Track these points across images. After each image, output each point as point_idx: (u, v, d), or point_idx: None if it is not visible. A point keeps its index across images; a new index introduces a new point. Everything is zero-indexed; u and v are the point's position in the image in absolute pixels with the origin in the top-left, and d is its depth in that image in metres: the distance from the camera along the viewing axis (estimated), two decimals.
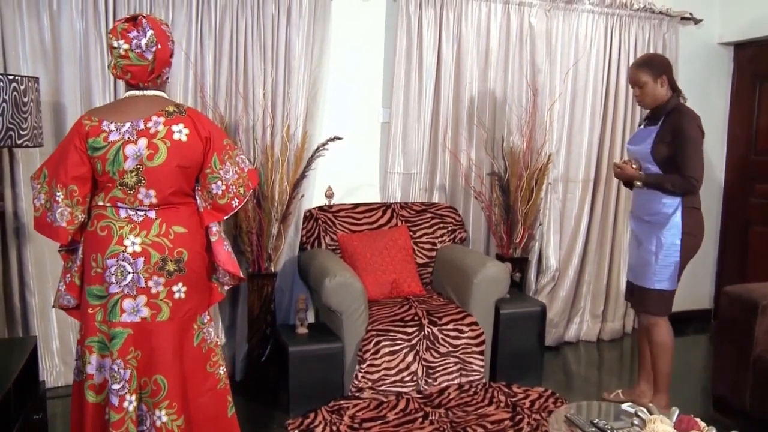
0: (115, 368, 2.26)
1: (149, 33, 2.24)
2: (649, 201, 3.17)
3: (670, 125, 3.05)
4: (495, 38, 4.16)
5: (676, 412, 2.15)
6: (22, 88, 2.84)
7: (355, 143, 4.11)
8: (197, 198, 2.43)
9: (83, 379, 2.33)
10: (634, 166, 3.20)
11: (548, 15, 4.24)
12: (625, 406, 2.27)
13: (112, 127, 2.26)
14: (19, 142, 2.85)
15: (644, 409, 2.24)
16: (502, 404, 3.39)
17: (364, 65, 4.10)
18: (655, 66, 3.11)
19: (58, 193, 2.27)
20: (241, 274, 2.56)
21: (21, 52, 3.34)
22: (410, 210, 4.11)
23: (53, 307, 2.50)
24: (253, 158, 3.70)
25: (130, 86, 2.35)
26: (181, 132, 2.30)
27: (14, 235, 3.40)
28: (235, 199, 2.43)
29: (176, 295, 2.33)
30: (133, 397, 2.29)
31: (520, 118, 4.24)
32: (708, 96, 4.90)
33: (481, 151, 4.24)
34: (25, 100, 2.86)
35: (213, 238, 2.47)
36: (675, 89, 3.14)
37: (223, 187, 2.40)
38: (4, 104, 2.78)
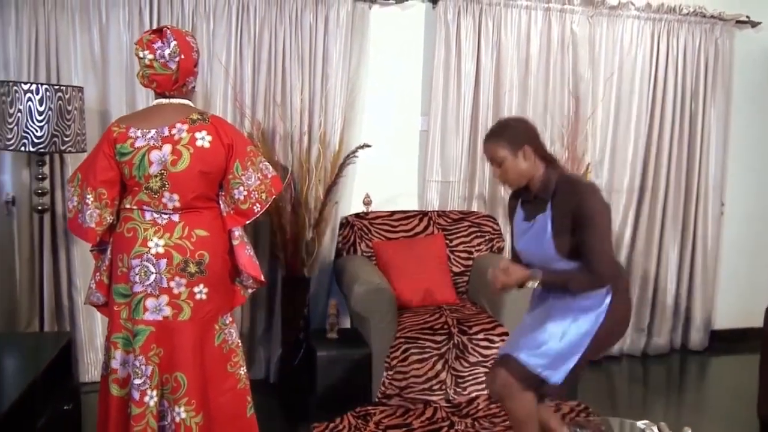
0: (137, 364, 2.35)
1: (173, 44, 2.33)
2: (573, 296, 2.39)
3: (565, 207, 2.25)
4: (535, 46, 4.12)
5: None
6: (66, 97, 3.01)
7: (394, 151, 4.14)
8: (220, 203, 2.51)
9: (108, 373, 2.44)
10: (516, 266, 2.38)
11: (591, 21, 4.16)
12: (640, 423, 2.21)
13: (139, 133, 2.37)
14: (63, 147, 3.02)
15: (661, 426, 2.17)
16: None
17: (403, 73, 4.13)
18: (512, 136, 2.31)
19: (88, 196, 2.39)
20: (263, 278, 2.62)
21: (73, 64, 3.53)
22: (447, 218, 4.10)
23: (85, 303, 2.63)
24: (290, 165, 3.78)
25: (157, 95, 2.46)
26: (203, 139, 2.38)
27: (64, 236, 3.58)
28: (257, 205, 2.50)
29: (197, 296, 2.41)
30: (155, 393, 2.37)
31: (562, 127, 4.17)
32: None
33: None
34: (69, 108, 3.03)
35: (235, 242, 2.54)
36: (546, 159, 2.35)
37: (245, 193, 2.47)
38: (50, 112, 2.96)
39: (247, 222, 2.54)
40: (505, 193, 4.19)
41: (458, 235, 4.06)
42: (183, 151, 2.35)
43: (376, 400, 3.40)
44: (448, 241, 4.03)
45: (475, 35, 4.03)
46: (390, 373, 3.37)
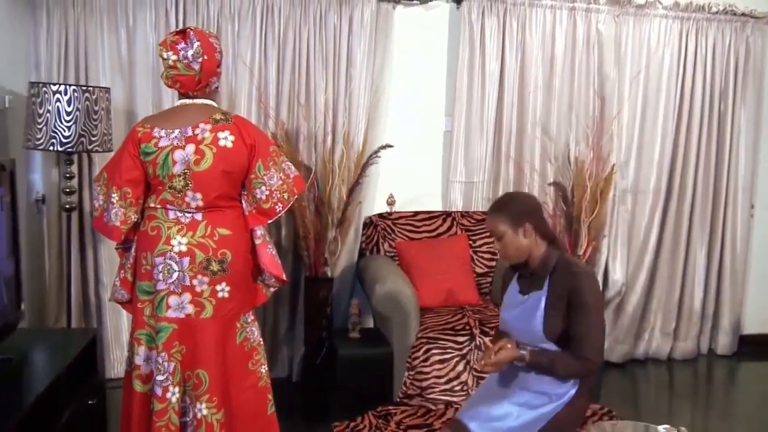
0: (160, 360, 2.39)
1: (196, 45, 2.36)
2: (544, 378, 2.25)
3: (561, 289, 2.17)
4: (560, 45, 4.08)
5: None
6: (93, 97, 3.06)
7: (418, 152, 4.14)
8: (243, 202, 2.53)
9: (132, 369, 2.48)
10: (509, 345, 2.22)
11: (617, 21, 4.11)
12: (661, 428, 2.17)
13: (162, 133, 2.40)
14: (89, 147, 3.08)
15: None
16: None
17: (427, 73, 4.13)
18: (514, 212, 2.24)
19: (113, 195, 2.43)
20: (285, 277, 2.64)
21: (100, 65, 3.60)
22: (471, 219, 4.09)
23: (109, 300, 2.67)
24: (313, 165, 3.80)
25: (181, 95, 2.49)
26: (226, 139, 2.40)
27: (91, 234, 3.65)
28: (279, 204, 2.51)
29: (219, 294, 2.43)
30: (177, 389, 2.40)
31: (587, 127, 4.13)
32: None
33: (545, 161, 4.17)
34: (96, 108, 3.08)
35: (257, 241, 2.56)
36: (548, 238, 2.27)
37: (267, 192, 2.48)
38: (78, 113, 3.01)
39: (269, 221, 2.56)
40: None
41: (482, 235, 4.04)
42: (206, 150, 2.38)
43: (397, 400, 3.40)
44: (471, 242, 4.02)
45: (499, 35, 4.01)
46: (411, 373, 3.37)
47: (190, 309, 2.41)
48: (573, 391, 2.22)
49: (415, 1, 3.99)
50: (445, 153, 4.18)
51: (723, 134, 4.37)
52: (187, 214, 2.42)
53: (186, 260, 2.38)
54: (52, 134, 3.00)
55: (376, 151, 3.78)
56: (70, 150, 3.05)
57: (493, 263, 4.02)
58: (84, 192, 3.60)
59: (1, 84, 3.18)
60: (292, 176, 2.57)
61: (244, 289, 2.54)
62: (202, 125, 2.40)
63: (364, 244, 3.98)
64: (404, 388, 3.38)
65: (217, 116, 2.44)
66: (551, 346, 2.21)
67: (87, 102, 3.03)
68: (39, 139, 3.01)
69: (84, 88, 3.03)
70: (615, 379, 4.12)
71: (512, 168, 4.16)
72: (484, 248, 4.03)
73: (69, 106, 2.99)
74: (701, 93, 4.25)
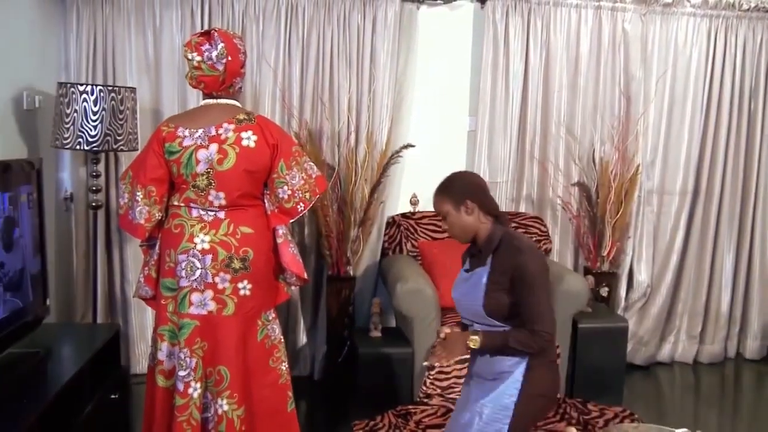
0: (182, 356, 2.42)
1: (220, 46, 2.39)
2: (493, 358, 2.21)
3: (505, 265, 2.15)
4: (585, 45, 4.05)
5: None
6: (119, 97, 3.12)
7: (441, 151, 4.12)
8: (266, 201, 2.56)
9: (155, 364, 2.52)
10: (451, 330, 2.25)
11: (644, 20, 4.06)
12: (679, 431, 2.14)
13: (186, 133, 2.43)
14: (115, 146, 3.13)
15: None
16: (574, 421, 3.28)
17: (451, 73, 4.12)
18: (455, 191, 2.23)
19: (138, 193, 2.47)
20: (306, 276, 2.66)
21: (127, 65, 3.66)
22: None
23: (134, 296, 2.71)
24: (336, 164, 3.82)
25: (205, 95, 2.52)
26: (249, 139, 2.43)
27: (117, 232, 3.71)
28: (301, 204, 2.53)
29: (241, 292, 2.46)
30: (198, 385, 2.44)
31: (612, 128, 4.09)
32: None
33: (569, 161, 4.13)
34: (122, 108, 3.14)
35: (279, 240, 2.59)
36: (494, 214, 2.25)
37: (289, 192, 2.50)
38: (104, 113, 3.07)
39: (291, 221, 2.58)
40: (553, 195, 4.15)
41: None
42: (229, 150, 2.41)
43: (418, 399, 3.40)
44: None
45: (523, 35, 3.99)
46: (432, 373, 3.37)
47: (212, 306, 2.44)
48: (523, 365, 2.16)
49: (439, 1, 3.99)
50: (469, 153, 4.17)
51: (753, 134, 4.28)
52: (210, 213, 2.45)
53: (208, 258, 2.41)
54: (79, 133, 3.05)
55: (398, 151, 3.78)
56: (96, 149, 3.10)
57: None
58: (111, 190, 3.67)
59: (32, 85, 3.26)
60: (314, 176, 2.59)
61: (265, 287, 2.56)
62: (225, 125, 2.43)
63: (386, 244, 3.98)
64: (424, 388, 3.38)
65: (241, 116, 2.46)
66: (490, 323, 2.18)
67: (113, 102, 3.09)
68: (66, 138, 3.07)
69: (110, 88, 3.09)
70: (639, 382, 4.07)
71: (536, 168, 4.13)
72: None
73: (95, 105, 3.05)
74: (730, 92, 4.17)
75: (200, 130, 2.43)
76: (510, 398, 2.16)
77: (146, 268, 2.59)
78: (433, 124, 4.11)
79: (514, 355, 2.15)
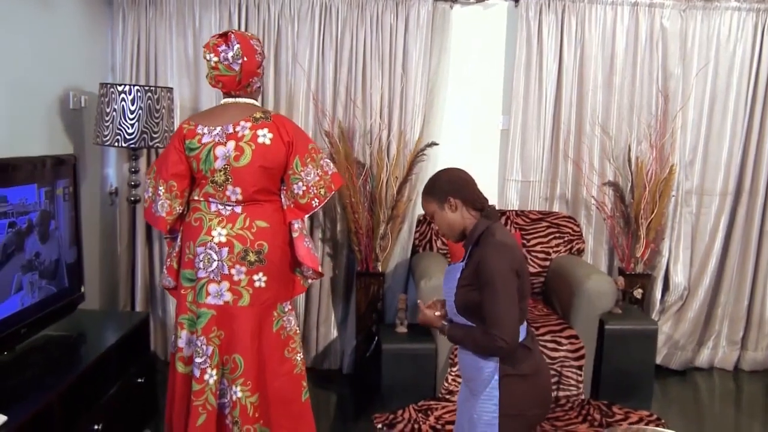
0: (199, 344, 2.55)
1: (236, 47, 2.49)
2: (467, 358, 2.15)
3: (475, 261, 2.08)
4: (621, 42, 3.97)
5: None
6: (155, 97, 3.27)
7: (474, 150, 4.15)
8: (282, 196, 2.65)
9: (176, 351, 2.65)
10: (437, 313, 2.24)
11: (683, 15, 3.95)
12: None
13: (205, 130, 2.55)
14: (151, 143, 3.29)
15: None
16: (596, 423, 3.24)
17: (484, 72, 4.13)
18: (438, 189, 2.17)
19: (160, 188, 2.60)
20: (320, 270, 2.73)
21: (168, 66, 3.83)
22: (526, 218, 4.06)
23: (159, 286, 2.86)
24: (367, 162, 3.88)
25: (224, 94, 2.63)
26: (265, 136, 2.52)
27: None
28: (315, 200, 2.61)
29: (256, 284, 2.56)
30: (214, 372, 2.55)
31: (649, 127, 4.00)
32: None
33: (604, 160, 4.07)
34: (158, 107, 3.29)
35: (294, 234, 2.68)
36: (480, 208, 2.16)
37: (304, 188, 2.59)
38: (140, 111, 3.23)
39: (306, 216, 2.66)
40: (587, 194, 4.09)
41: (536, 235, 4.01)
42: (245, 147, 2.51)
43: (440, 395, 3.43)
44: (525, 241, 3.98)
45: (557, 33, 3.95)
46: (454, 369, 3.39)
47: (228, 297, 2.55)
48: (496, 377, 2.06)
49: (471, 0, 4.00)
50: (502, 151, 4.17)
51: None
52: (227, 207, 2.56)
53: (225, 250, 2.53)
54: (118, 131, 3.23)
55: (423, 149, 3.82)
56: (133, 146, 3.27)
57: (547, 263, 3.97)
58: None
59: (78, 86, 3.47)
60: (330, 173, 2.66)
61: (280, 279, 2.65)
62: (242, 123, 2.53)
63: (417, 241, 4.03)
64: (446, 384, 3.41)
65: (258, 114, 2.56)
66: (459, 319, 2.12)
67: (149, 101, 3.25)
68: (106, 135, 3.25)
69: (146, 88, 3.25)
70: (673, 387, 3.98)
71: (570, 167, 4.09)
72: (537, 248, 3.98)
73: (132, 105, 3.21)
74: None
75: (218, 128, 2.54)
76: (492, 415, 2.07)
77: (168, 260, 2.73)
78: (466, 122, 4.13)
79: (476, 354, 2.07)
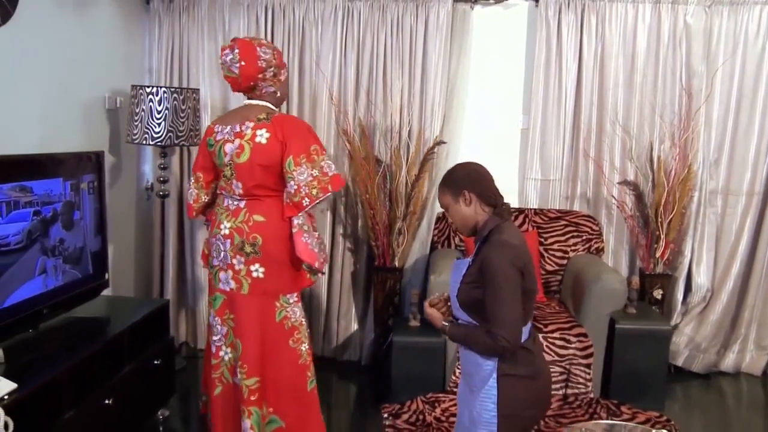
0: (215, 323, 2.80)
1: (235, 52, 2.67)
2: (468, 353, 2.15)
3: (480, 259, 2.07)
4: (642, 41, 3.93)
5: None
6: (181, 98, 3.49)
7: (494, 149, 4.19)
8: (284, 193, 2.80)
9: (207, 326, 2.94)
10: (443, 309, 2.25)
11: (708, 12, 3.88)
12: None
13: (220, 129, 2.78)
14: (176, 141, 3.51)
15: None
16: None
17: (504, 71, 4.17)
18: (453, 181, 2.18)
19: (191, 179, 2.91)
20: (317, 266, 2.79)
21: (200, 69, 4.05)
22: (544, 216, 4.08)
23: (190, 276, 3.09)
24: (386, 160, 3.99)
25: (244, 96, 2.82)
26: (262, 136, 2.67)
27: (189, 220, 4.11)
28: (306, 199, 2.67)
29: (254, 274, 2.72)
30: (229, 350, 2.79)
31: (672, 125, 3.95)
32: None
33: (625, 159, 4.04)
34: (183, 107, 3.50)
35: (294, 230, 2.78)
36: (493, 204, 2.17)
37: (295, 187, 2.66)
38: (167, 112, 3.45)
39: (300, 213, 2.73)
40: (607, 194, 4.08)
41: (554, 233, 4.02)
42: (245, 145, 2.67)
43: (448, 388, 3.51)
44: (542, 239, 4.01)
45: (577, 32, 3.96)
46: None
47: (232, 284, 2.74)
48: (495, 375, 2.07)
49: (491, 1, 4.05)
50: (522, 150, 4.20)
51: None
52: (234, 201, 2.74)
53: (228, 242, 2.71)
54: (146, 130, 3.46)
55: (432, 148, 3.90)
56: (160, 144, 3.49)
57: (564, 261, 3.98)
58: (183, 182, 4.08)
59: (114, 87, 3.73)
60: (330, 174, 2.72)
61: (280, 271, 2.76)
62: (247, 123, 2.70)
63: (436, 238, 4.10)
64: (455, 378, 3.48)
65: (261, 116, 2.72)
66: (462, 315, 2.13)
67: (175, 102, 3.46)
68: (135, 134, 3.48)
69: (173, 89, 3.46)
70: (694, 390, 3.91)
71: (591, 166, 4.08)
72: (555, 246, 4.00)
73: (159, 105, 3.44)
74: None
75: (229, 127, 2.73)
76: (491, 414, 2.08)
77: (204, 247, 2.96)
78: (486, 122, 4.18)
79: (479, 353, 2.07)
